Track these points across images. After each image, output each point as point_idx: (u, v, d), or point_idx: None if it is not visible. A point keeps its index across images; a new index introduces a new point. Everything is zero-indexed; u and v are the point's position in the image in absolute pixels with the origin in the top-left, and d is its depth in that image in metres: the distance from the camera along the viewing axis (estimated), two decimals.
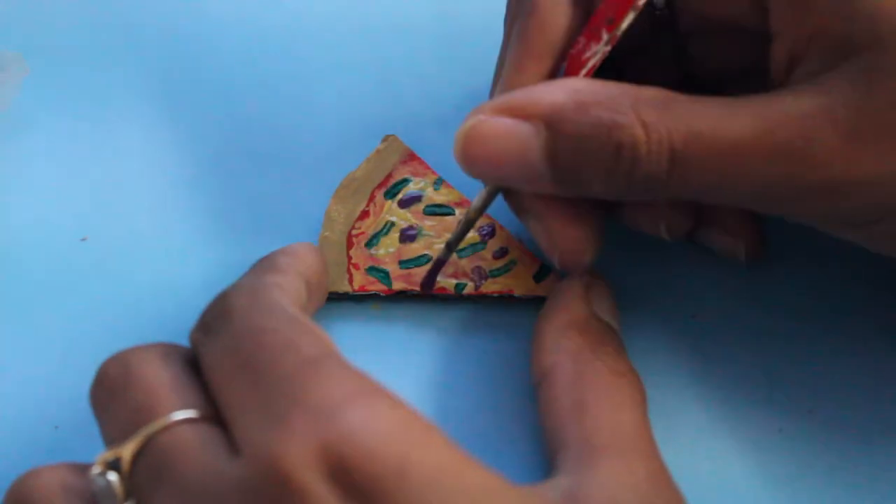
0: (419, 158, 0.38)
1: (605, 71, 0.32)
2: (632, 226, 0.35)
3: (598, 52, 0.32)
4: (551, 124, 0.30)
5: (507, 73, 0.33)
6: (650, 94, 0.30)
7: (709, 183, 0.29)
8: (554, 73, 0.32)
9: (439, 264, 0.35)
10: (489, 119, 0.31)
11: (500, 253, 0.36)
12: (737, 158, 0.29)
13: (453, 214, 0.37)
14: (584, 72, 0.32)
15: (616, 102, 0.30)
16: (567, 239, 0.33)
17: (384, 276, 0.36)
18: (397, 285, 0.36)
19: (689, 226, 0.35)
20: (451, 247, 0.35)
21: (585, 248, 0.33)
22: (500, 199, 0.37)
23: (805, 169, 0.29)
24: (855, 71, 0.29)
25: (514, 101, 0.31)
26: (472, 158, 0.32)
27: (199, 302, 0.30)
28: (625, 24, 0.32)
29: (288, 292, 0.30)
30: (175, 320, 0.36)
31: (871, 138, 0.28)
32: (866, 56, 0.29)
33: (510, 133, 0.31)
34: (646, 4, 0.32)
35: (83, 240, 0.38)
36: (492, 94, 0.35)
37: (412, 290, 0.36)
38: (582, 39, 0.32)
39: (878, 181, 0.29)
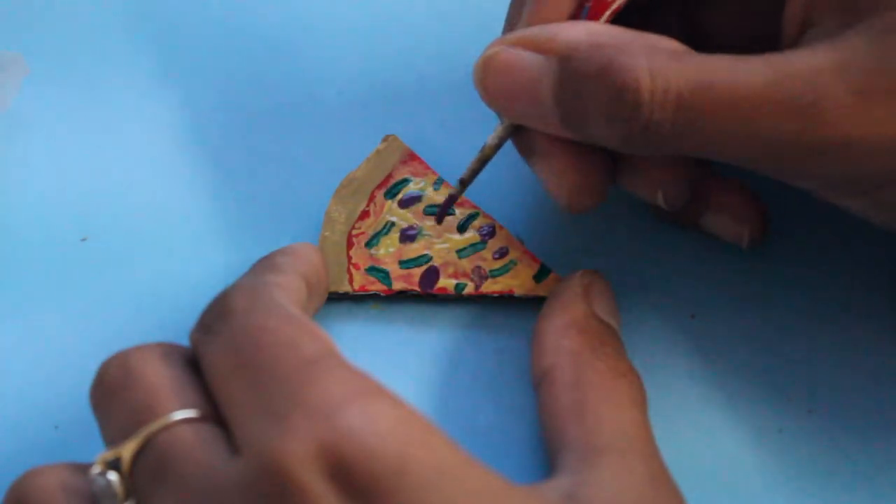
0: (419, 158, 0.38)
1: None
2: (630, 190, 0.35)
3: None
4: (563, 60, 0.30)
5: (529, 8, 0.33)
6: (665, 43, 0.30)
7: (717, 135, 0.29)
8: (576, 15, 0.32)
9: (451, 199, 0.36)
10: (507, 49, 0.31)
11: (500, 253, 0.36)
12: (746, 110, 0.28)
13: (453, 214, 0.37)
14: (608, 13, 0.32)
15: (628, 46, 0.29)
16: (574, 178, 0.33)
17: (384, 275, 0.36)
18: (397, 285, 0.36)
19: (686, 197, 0.34)
20: (464, 183, 0.35)
21: (593, 190, 0.33)
22: (500, 208, 0.37)
23: (815, 125, 0.28)
24: (871, 30, 0.28)
25: (533, 34, 0.31)
26: (488, 88, 0.32)
27: (199, 302, 0.30)
28: None
29: (288, 292, 0.30)
30: (175, 320, 0.36)
31: (884, 98, 0.28)
32: (883, 15, 0.28)
33: (524, 65, 0.31)
34: None
35: (83, 240, 0.38)
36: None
37: (412, 290, 0.36)
38: None
39: (886, 142, 0.28)
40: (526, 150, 0.34)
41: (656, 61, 0.29)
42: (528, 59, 0.31)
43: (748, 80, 0.28)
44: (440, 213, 0.36)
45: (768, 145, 0.29)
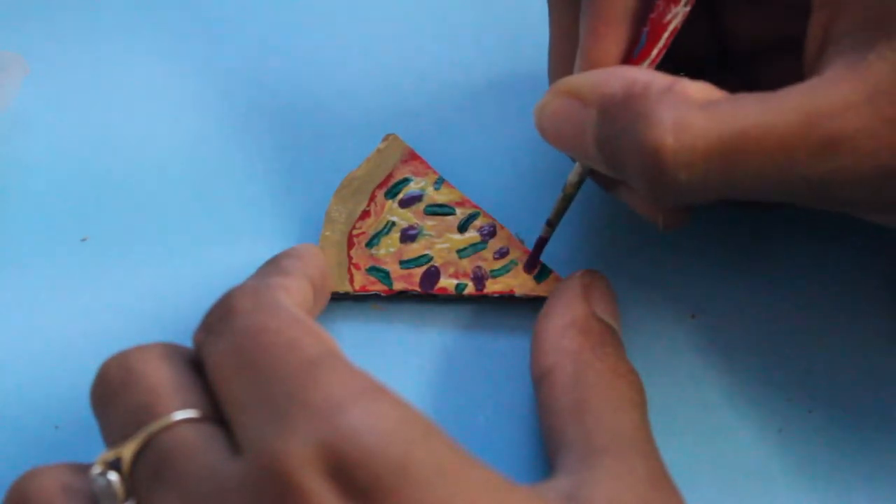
0: (420, 158, 0.38)
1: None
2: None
3: (678, 13, 0.32)
4: (601, 112, 0.30)
5: (584, 42, 0.33)
6: (698, 91, 0.29)
7: (751, 181, 0.29)
8: (632, 39, 0.33)
9: (542, 242, 0.36)
10: (554, 100, 0.32)
11: (501, 253, 0.36)
12: (781, 154, 0.28)
13: (454, 214, 0.37)
14: (666, 35, 0.32)
15: (659, 98, 0.29)
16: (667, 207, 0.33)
17: (385, 276, 0.36)
18: (398, 285, 0.36)
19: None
20: (551, 224, 0.35)
21: (685, 209, 0.34)
22: (500, 208, 0.38)
23: (851, 159, 0.28)
24: (893, 52, 0.28)
25: (577, 83, 0.31)
26: (545, 134, 0.33)
27: (200, 302, 0.30)
28: None
29: (292, 294, 0.30)
30: (175, 321, 0.36)
31: None
32: None
33: (569, 115, 0.31)
34: None
35: (83, 240, 0.38)
36: (550, 71, 0.35)
37: (413, 290, 0.36)
38: (661, 3, 0.32)
39: None
40: (608, 184, 0.35)
41: (685, 116, 0.29)
42: (574, 109, 0.31)
43: (781, 122, 0.28)
44: (531, 259, 0.36)
45: (804, 184, 0.29)
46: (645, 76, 0.30)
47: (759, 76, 0.35)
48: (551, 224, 0.35)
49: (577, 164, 0.34)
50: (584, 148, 0.31)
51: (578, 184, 0.34)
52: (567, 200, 0.35)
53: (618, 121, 0.30)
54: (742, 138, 0.28)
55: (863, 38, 0.29)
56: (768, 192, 0.29)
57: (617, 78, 0.30)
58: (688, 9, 0.32)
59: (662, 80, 0.30)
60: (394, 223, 0.37)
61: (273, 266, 0.32)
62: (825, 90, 0.28)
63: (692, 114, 0.29)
